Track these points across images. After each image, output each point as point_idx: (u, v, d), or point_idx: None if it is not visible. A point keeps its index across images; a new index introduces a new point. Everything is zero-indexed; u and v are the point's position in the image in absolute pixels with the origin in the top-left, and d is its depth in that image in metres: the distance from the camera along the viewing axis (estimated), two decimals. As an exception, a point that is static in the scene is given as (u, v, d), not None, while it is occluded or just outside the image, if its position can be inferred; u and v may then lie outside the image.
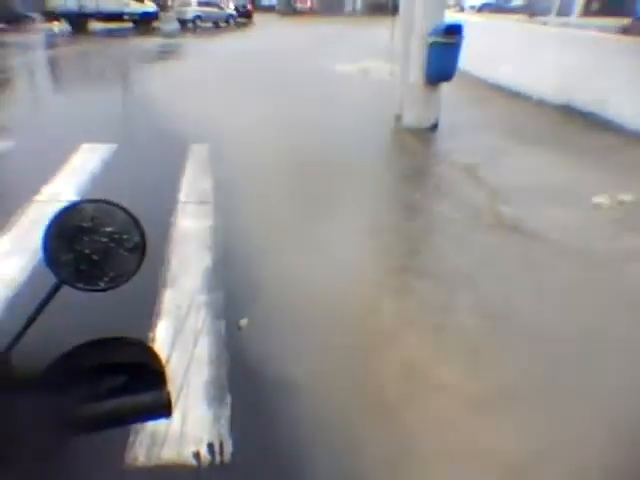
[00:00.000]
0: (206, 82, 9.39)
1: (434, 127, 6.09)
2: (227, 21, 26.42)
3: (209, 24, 25.16)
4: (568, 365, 2.30)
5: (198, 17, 24.69)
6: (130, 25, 23.87)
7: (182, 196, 4.13)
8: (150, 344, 0.81)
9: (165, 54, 14.39)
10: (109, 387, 0.68)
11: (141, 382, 0.69)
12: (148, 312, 2.59)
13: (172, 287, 2.86)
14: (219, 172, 4.69)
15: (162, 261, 3.09)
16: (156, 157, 5.18)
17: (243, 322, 2.58)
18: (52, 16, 23.19)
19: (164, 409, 0.69)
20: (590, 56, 6.54)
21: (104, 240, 0.80)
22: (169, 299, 2.74)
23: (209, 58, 13.19)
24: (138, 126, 6.41)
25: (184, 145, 5.41)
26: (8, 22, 21.93)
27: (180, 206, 3.95)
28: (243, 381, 2.20)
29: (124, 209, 0.81)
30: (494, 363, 2.33)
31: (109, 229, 0.80)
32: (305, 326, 2.57)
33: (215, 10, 25.89)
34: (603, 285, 2.93)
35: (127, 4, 23.78)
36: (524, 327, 2.56)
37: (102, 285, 0.81)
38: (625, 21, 9.46)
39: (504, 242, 3.45)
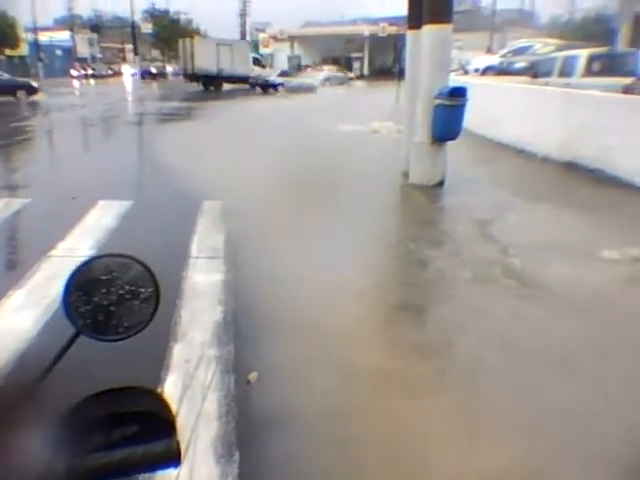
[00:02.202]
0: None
1: (441, 184, 6.22)
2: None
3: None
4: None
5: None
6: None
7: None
8: (160, 392, 0.82)
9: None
10: (120, 436, 0.70)
11: (151, 431, 0.71)
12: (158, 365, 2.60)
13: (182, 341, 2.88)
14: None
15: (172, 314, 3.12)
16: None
17: (253, 376, 2.57)
18: (193, 77, 27.70)
19: (174, 458, 0.70)
20: (593, 114, 6.72)
21: (120, 292, 0.85)
22: (178, 352, 2.76)
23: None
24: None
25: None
26: None
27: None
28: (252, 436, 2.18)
29: (139, 261, 0.86)
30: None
31: (125, 281, 0.85)
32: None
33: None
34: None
35: (252, 69, 28.62)
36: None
37: (117, 336, 0.85)
38: (627, 80, 9.71)
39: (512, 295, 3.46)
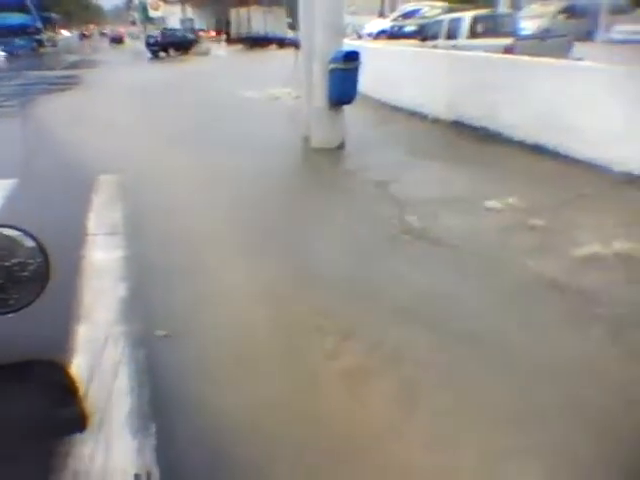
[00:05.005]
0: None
1: (340, 147, 6.38)
2: None
3: None
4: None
5: None
6: None
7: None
8: (62, 363, 0.81)
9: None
10: (26, 407, 0.70)
11: (56, 400, 0.72)
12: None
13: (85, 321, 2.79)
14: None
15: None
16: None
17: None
18: (246, 40, 31.95)
19: (79, 424, 0.72)
20: (477, 74, 7.14)
21: (8, 264, 0.82)
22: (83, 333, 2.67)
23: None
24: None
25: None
26: None
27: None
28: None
29: (26, 232, 0.84)
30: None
31: (11, 252, 0.83)
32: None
33: None
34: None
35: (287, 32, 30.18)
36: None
37: (7, 308, 0.83)
38: (507, 41, 10.34)
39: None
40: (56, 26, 46.12)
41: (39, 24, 34.27)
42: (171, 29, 31.11)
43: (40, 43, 33.54)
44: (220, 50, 29.72)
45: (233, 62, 22.60)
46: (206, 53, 27.32)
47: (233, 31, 34.89)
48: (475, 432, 2.03)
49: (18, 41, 30.28)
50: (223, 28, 37.59)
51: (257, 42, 31.00)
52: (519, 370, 2.39)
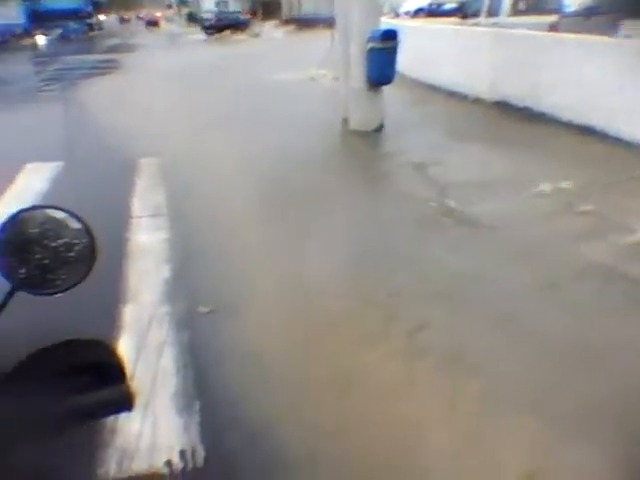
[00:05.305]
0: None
1: (380, 128, 6.28)
2: None
3: None
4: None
5: None
6: None
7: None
8: (108, 342, 0.82)
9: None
10: (73, 386, 0.71)
11: (103, 380, 0.73)
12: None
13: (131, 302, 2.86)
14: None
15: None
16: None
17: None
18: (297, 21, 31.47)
19: (126, 403, 0.73)
20: (520, 53, 6.88)
21: (54, 244, 0.83)
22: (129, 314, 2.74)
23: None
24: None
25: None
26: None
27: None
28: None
29: (72, 213, 0.84)
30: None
31: (58, 233, 0.83)
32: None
33: None
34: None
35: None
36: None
37: (55, 289, 0.84)
38: (552, 18, 9.92)
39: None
40: (101, 10, 47.51)
41: (90, 8, 36.23)
42: (224, 12, 31.42)
43: (90, 27, 35.20)
44: (273, 32, 29.66)
45: (286, 42, 22.27)
46: (258, 34, 27.40)
47: (285, 12, 34.80)
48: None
49: (72, 25, 32.05)
50: (258, 9, 37.51)
51: (307, 23, 30.50)
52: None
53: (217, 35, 26.81)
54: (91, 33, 34.27)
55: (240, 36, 26.17)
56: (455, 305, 2.75)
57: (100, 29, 38.95)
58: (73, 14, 32.83)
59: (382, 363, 2.34)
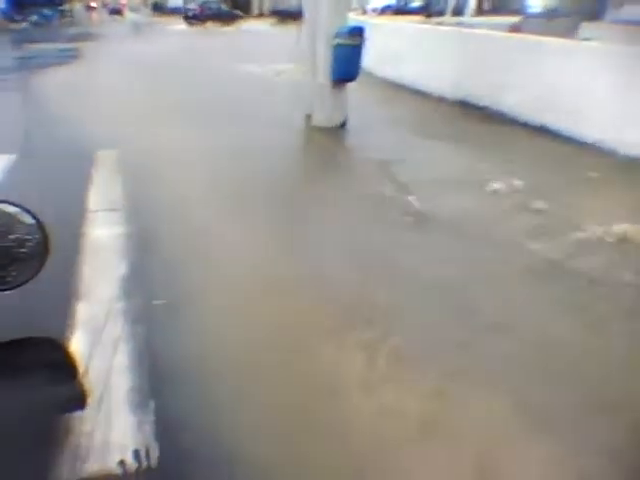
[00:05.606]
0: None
1: (343, 125, 6.31)
2: None
3: None
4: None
5: None
6: None
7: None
8: (61, 341, 0.81)
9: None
10: (25, 385, 0.70)
11: (56, 378, 0.72)
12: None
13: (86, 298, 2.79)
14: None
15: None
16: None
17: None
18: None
19: (78, 401, 0.72)
20: (482, 53, 7.03)
21: (5, 240, 0.81)
22: (84, 310, 2.68)
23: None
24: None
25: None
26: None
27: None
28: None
29: (24, 208, 0.83)
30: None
31: (9, 229, 0.81)
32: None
33: None
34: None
35: None
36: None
37: (6, 285, 0.82)
38: (515, 19, 10.15)
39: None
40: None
41: None
42: (208, 2, 31.08)
43: (62, 13, 35.84)
44: (255, 24, 29.39)
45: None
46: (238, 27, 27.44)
47: (267, 5, 35.25)
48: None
49: (46, 11, 32.58)
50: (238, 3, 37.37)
51: (290, 16, 30.41)
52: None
53: (200, 26, 26.61)
54: (63, 20, 34.44)
55: (224, 28, 25.92)
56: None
57: (71, 17, 39.22)
58: (48, 1, 33.34)
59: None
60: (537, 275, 3.06)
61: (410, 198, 4.14)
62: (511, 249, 3.36)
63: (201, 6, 29.36)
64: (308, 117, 6.53)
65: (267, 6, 35.69)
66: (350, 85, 6.32)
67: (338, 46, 5.92)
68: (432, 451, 1.87)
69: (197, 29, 26.01)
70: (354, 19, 9.23)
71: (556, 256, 3.22)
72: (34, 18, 30.41)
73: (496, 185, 4.31)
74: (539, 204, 3.94)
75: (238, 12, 31.14)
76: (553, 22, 10.65)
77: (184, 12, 30.38)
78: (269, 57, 11.94)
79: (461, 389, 2.17)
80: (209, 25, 27.10)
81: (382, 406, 2.08)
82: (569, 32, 9.53)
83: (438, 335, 2.53)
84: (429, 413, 2.04)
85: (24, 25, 28.86)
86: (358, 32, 6.01)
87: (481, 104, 6.94)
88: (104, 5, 59.76)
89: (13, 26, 28.12)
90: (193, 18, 27.86)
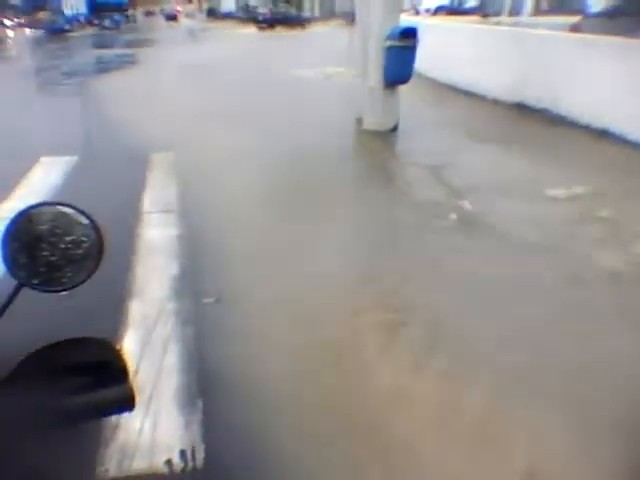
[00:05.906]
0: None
1: (394, 129, 6.21)
2: None
3: None
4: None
5: None
6: None
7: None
8: (111, 341, 0.81)
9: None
10: (74, 385, 0.71)
11: (105, 379, 0.72)
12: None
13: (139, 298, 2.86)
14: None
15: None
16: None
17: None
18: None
19: (127, 403, 0.72)
20: (540, 54, 6.77)
21: (61, 242, 0.83)
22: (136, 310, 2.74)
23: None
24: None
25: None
26: None
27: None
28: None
29: (80, 210, 0.84)
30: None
31: (66, 230, 0.83)
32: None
33: None
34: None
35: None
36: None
37: (62, 286, 0.84)
38: (575, 18, 9.78)
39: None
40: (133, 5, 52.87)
41: (126, 2, 44.22)
42: (277, 7, 33.62)
43: (127, 18, 42.41)
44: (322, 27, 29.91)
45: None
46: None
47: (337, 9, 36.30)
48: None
49: (117, 16, 38.20)
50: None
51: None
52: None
53: (270, 30, 27.48)
54: (127, 24, 39.38)
55: (291, 32, 26.64)
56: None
57: (134, 21, 45.42)
58: (118, 7, 40.80)
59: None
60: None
61: (461, 203, 4.02)
62: (577, 260, 3.19)
63: (271, 10, 30.88)
64: (359, 121, 6.47)
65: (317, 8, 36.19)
66: (403, 87, 6.20)
67: (391, 48, 5.81)
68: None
69: (267, 34, 26.54)
70: (406, 20, 9.13)
71: (625, 268, 3.03)
72: (107, 22, 35.83)
73: (555, 191, 4.12)
74: (603, 212, 3.73)
75: (306, 15, 31.81)
76: (615, 21, 10.15)
77: (255, 17, 31.68)
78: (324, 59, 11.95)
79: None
80: (278, 29, 27.79)
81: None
82: (632, 32, 9.07)
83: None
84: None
85: (101, 26, 34.96)
86: (411, 33, 5.87)
87: (539, 106, 6.69)
88: (161, 11, 62.76)
89: (89, 30, 33.22)
90: (263, 22, 28.89)
